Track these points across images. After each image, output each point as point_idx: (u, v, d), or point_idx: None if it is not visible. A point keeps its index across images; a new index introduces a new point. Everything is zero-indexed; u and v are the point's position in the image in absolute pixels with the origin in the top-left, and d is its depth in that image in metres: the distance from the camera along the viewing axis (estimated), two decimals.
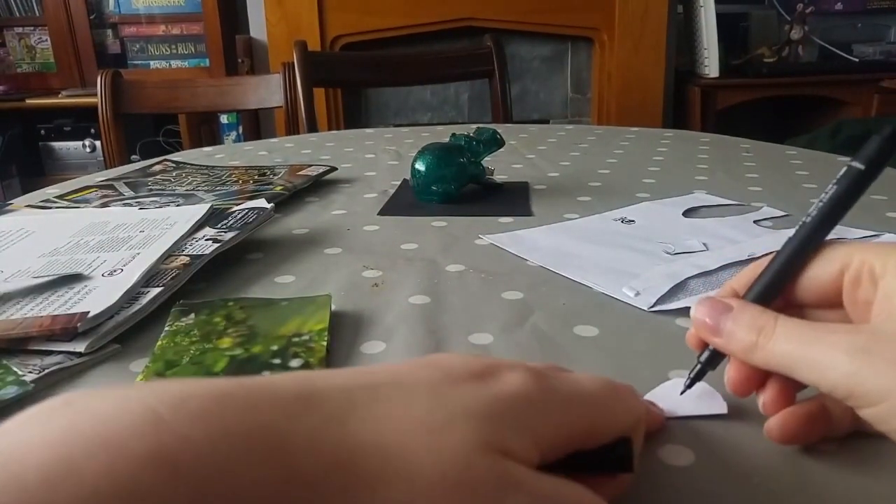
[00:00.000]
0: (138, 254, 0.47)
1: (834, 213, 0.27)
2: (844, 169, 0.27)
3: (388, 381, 0.21)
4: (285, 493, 0.16)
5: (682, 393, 0.30)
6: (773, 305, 0.27)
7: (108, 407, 0.16)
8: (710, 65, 2.26)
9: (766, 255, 0.28)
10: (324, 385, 0.20)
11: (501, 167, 0.77)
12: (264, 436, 0.17)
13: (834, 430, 0.27)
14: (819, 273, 0.27)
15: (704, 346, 0.29)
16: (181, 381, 0.18)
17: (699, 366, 0.29)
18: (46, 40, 2.54)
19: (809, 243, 0.27)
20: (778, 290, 0.28)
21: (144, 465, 0.15)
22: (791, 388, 0.27)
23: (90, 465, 0.15)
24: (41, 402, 0.17)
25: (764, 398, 0.27)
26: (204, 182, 0.73)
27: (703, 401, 0.30)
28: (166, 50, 2.52)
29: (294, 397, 0.19)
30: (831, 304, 0.27)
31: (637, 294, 0.43)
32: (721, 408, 0.30)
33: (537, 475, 0.20)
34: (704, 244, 0.52)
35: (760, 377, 0.27)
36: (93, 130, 2.47)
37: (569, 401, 0.23)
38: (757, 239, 0.52)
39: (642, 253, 0.51)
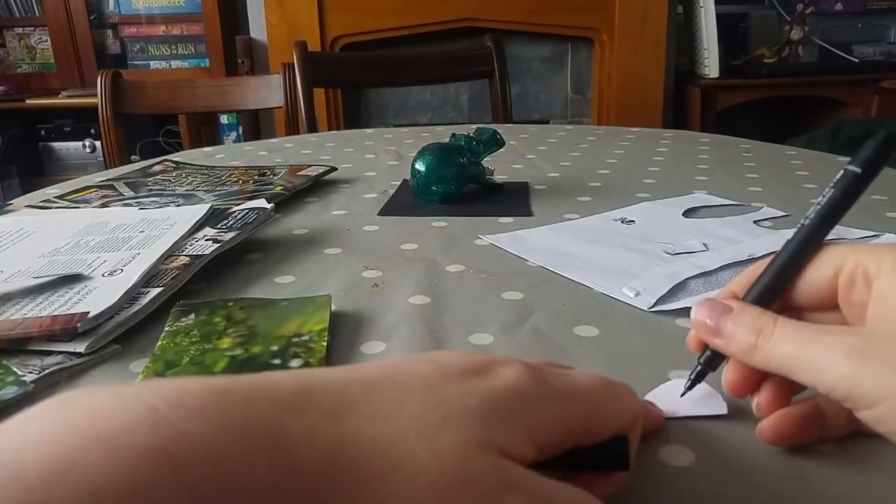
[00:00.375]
0: (138, 254, 0.47)
1: (831, 216, 0.27)
2: (841, 172, 0.27)
3: (383, 376, 0.21)
4: (285, 487, 0.16)
5: (682, 395, 0.30)
6: (772, 308, 0.27)
7: (105, 404, 0.16)
8: (710, 65, 2.26)
9: (767, 255, 0.29)
10: (320, 381, 0.20)
11: (501, 167, 0.77)
12: (262, 431, 0.17)
13: (829, 432, 0.28)
14: (814, 276, 0.27)
15: (704, 347, 0.29)
16: (178, 379, 0.18)
17: (699, 367, 0.29)
18: (46, 41, 2.54)
19: (807, 246, 0.27)
20: (776, 292, 0.28)
21: (144, 461, 0.15)
22: (787, 390, 0.27)
23: (89, 461, 0.15)
24: (40, 402, 0.17)
25: (758, 399, 0.27)
26: (204, 182, 0.73)
27: (703, 401, 0.30)
28: (166, 50, 2.52)
29: (291, 393, 0.19)
30: (828, 306, 0.27)
31: (637, 294, 0.43)
32: (721, 408, 0.30)
33: (536, 476, 0.20)
34: (704, 244, 0.52)
35: (758, 379, 0.27)
36: (93, 131, 2.47)
37: (565, 396, 0.23)
38: (757, 239, 0.52)
39: (642, 253, 0.51)
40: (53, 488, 0.14)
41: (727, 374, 0.28)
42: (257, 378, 0.19)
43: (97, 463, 0.15)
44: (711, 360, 0.29)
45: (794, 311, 0.28)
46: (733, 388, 0.28)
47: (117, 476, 0.15)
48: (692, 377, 0.29)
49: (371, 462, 0.18)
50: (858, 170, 0.27)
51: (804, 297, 0.28)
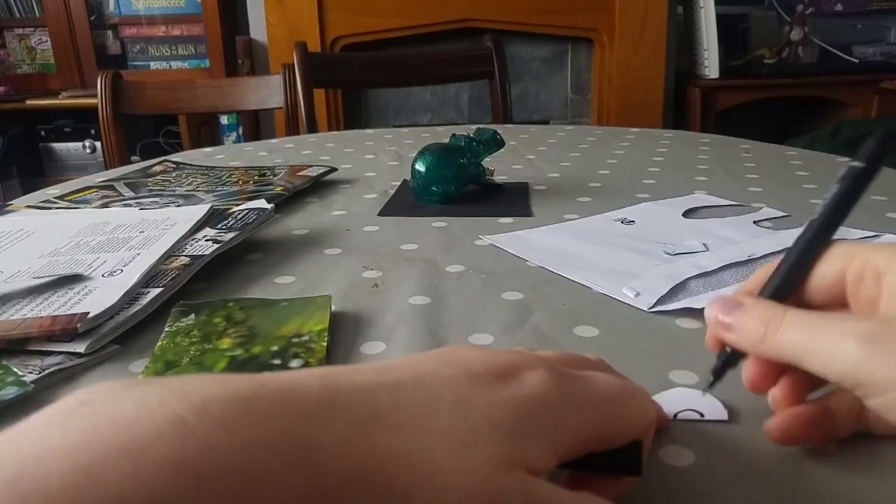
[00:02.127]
0: (138, 254, 0.47)
1: (839, 211, 0.28)
2: (845, 168, 0.28)
3: (410, 381, 0.21)
4: (313, 502, 0.16)
5: (704, 392, 0.29)
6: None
7: (129, 411, 0.16)
8: (710, 66, 2.26)
9: (767, 255, 0.29)
10: (347, 387, 0.19)
11: (501, 168, 0.77)
12: (290, 443, 0.17)
13: (837, 433, 0.27)
14: (823, 273, 0.27)
15: (723, 346, 0.29)
16: (199, 381, 0.18)
17: (720, 365, 0.29)
18: (47, 41, 2.54)
19: (817, 242, 0.28)
20: (789, 289, 0.28)
21: (168, 474, 0.15)
22: (803, 385, 0.27)
23: (113, 474, 0.14)
24: (45, 402, 0.17)
25: (774, 393, 0.27)
26: (204, 183, 0.73)
27: (704, 407, 0.30)
28: (166, 51, 2.52)
29: (317, 402, 0.18)
30: (837, 303, 0.27)
31: (637, 294, 0.43)
32: (721, 414, 0.30)
33: (560, 491, 0.20)
34: (704, 245, 0.52)
35: (777, 373, 0.27)
36: (93, 131, 2.47)
37: (587, 404, 0.23)
38: (757, 239, 0.52)
39: (642, 253, 0.51)
40: (76, 501, 0.14)
41: (747, 368, 0.28)
42: (282, 383, 0.19)
43: (121, 476, 0.14)
44: (731, 358, 0.29)
45: (805, 308, 0.28)
46: (753, 383, 0.27)
47: (141, 488, 0.14)
48: (714, 374, 0.29)
49: (400, 478, 0.18)
50: (863, 164, 0.27)
51: (814, 294, 0.28)
